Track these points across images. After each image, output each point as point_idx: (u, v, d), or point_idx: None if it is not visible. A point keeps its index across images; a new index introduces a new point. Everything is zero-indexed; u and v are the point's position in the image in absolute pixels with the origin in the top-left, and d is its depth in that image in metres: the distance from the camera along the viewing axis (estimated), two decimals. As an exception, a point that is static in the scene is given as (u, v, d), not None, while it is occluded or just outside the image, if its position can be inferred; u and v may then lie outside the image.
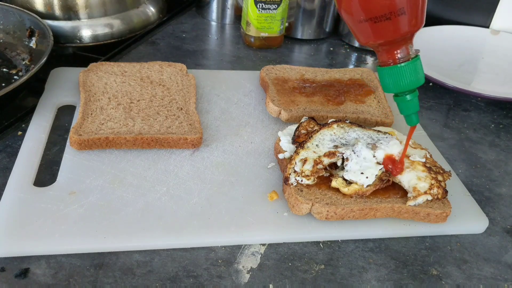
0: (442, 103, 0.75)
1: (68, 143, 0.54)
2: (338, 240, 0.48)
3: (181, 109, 0.60)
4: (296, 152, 0.51)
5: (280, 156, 0.54)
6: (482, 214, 0.52)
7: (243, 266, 0.44)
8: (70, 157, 0.53)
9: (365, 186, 0.49)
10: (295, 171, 0.49)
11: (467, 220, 0.51)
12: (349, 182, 0.49)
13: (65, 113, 0.61)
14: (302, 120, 0.57)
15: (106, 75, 0.65)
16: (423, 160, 0.51)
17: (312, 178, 0.49)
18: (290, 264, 0.45)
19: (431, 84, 0.80)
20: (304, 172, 0.49)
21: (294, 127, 0.56)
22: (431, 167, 0.51)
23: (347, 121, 0.54)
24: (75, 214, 0.46)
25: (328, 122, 0.54)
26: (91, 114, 0.57)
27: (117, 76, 0.65)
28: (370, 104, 0.66)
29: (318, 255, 0.46)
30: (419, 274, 0.46)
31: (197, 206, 0.49)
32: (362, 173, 0.49)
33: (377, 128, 0.57)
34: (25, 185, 0.48)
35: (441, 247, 0.49)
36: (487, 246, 0.50)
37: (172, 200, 0.49)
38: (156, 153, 0.55)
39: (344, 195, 0.49)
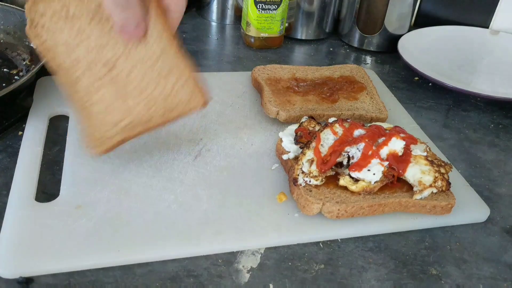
0: (441, 103, 0.75)
1: (66, 155, 0.53)
2: (337, 240, 0.48)
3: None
4: (303, 153, 0.51)
5: (284, 157, 0.54)
6: (482, 203, 0.53)
7: (243, 266, 0.44)
8: (71, 169, 0.51)
9: (372, 182, 0.49)
10: (303, 172, 0.49)
11: (470, 210, 0.52)
12: (355, 180, 0.49)
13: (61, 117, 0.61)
14: (303, 119, 0.57)
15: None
16: (425, 153, 0.52)
17: (320, 178, 0.49)
18: (290, 263, 0.45)
19: (430, 84, 0.80)
20: (312, 173, 0.49)
21: (294, 127, 0.57)
22: (433, 160, 0.51)
23: (348, 120, 0.55)
24: (84, 228, 0.45)
25: (330, 121, 0.54)
26: (89, 119, 0.49)
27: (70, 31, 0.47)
28: (363, 100, 0.67)
29: (318, 254, 0.46)
30: (419, 274, 0.46)
31: (208, 212, 0.48)
32: (368, 170, 0.49)
33: (376, 123, 0.57)
34: (27, 202, 0.47)
35: (440, 246, 0.49)
36: (487, 246, 0.50)
37: (181, 208, 0.48)
38: (158, 160, 0.54)
39: (352, 192, 0.49)
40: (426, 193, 0.49)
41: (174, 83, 0.48)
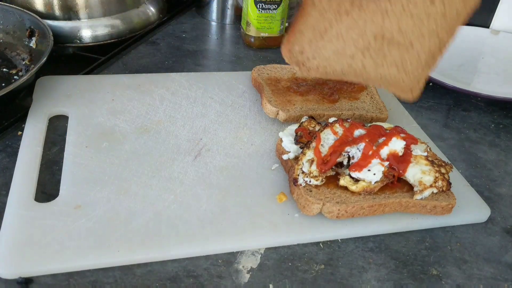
0: (442, 103, 0.75)
1: (66, 155, 0.53)
2: (338, 240, 0.48)
3: None
4: (303, 153, 0.51)
5: (284, 157, 0.54)
6: (483, 203, 0.53)
7: (243, 266, 0.44)
8: (70, 169, 0.51)
9: (372, 182, 0.49)
10: (303, 172, 0.49)
11: (470, 210, 0.52)
12: (356, 180, 0.49)
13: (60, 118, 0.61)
14: (303, 119, 0.57)
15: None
16: (425, 154, 0.52)
17: (320, 178, 0.49)
18: (290, 264, 0.45)
19: (431, 84, 0.80)
20: (312, 173, 0.49)
21: (294, 127, 0.56)
22: (433, 161, 0.51)
23: (349, 120, 0.55)
24: (84, 228, 0.45)
25: (331, 121, 0.54)
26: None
27: None
28: (363, 100, 0.67)
29: (318, 255, 0.46)
30: (419, 274, 0.46)
31: (208, 212, 0.48)
32: (369, 170, 0.49)
33: (377, 123, 0.57)
34: (27, 202, 0.47)
35: (441, 247, 0.49)
36: (487, 246, 0.50)
37: (181, 208, 0.48)
38: (158, 160, 0.54)
39: (352, 193, 0.49)
40: (427, 193, 0.49)
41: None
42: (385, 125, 0.56)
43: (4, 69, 0.68)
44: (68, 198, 0.48)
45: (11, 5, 0.73)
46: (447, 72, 0.80)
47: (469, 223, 0.52)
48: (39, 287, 0.41)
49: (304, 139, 0.53)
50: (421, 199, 0.49)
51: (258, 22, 0.82)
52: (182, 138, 0.58)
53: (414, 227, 0.50)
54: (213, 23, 0.95)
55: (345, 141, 0.51)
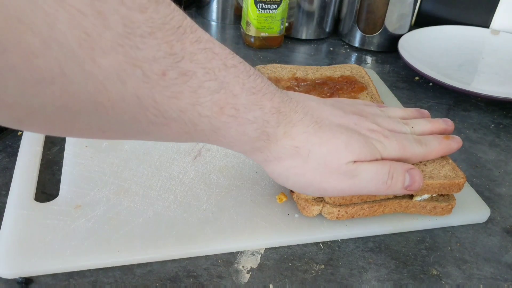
0: (442, 103, 0.75)
1: (66, 155, 0.53)
2: (338, 240, 0.48)
3: None
4: None
5: None
6: (483, 203, 0.53)
7: (243, 266, 0.44)
8: (70, 169, 0.51)
9: None
10: None
11: (470, 210, 0.52)
12: None
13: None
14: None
15: None
16: None
17: None
18: (290, 264, 0.45)
19: (431, 84, 0.80)
20: None
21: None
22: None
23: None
24: (84, 228, 0.45)
25: None
26: None
27: None
28: (364, 100, 0.66)
29: (318, 255, 0.46)
30: (419, 274, 0.46)
31: (208, 212, 0.48)
32: None
33: None
34: (27, 202, 0.47)
35: (441, 247, 0.49)
36: (487, 246, 0.50)
37: (181, 208, 0.48)
38: (158, 160, 0.54)
39: None
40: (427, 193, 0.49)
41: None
42: None
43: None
44: (68, 198, 0.48)
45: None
46: (447, 72, 0.80)
47: (469, 223, 0.52)
48: (39, 287, 0.41)
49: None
50: (421, 200, 0.49)
51: (258, 22, 0.83)
52: (182, 138, 0.58)
53: (414, 227, 0.50)
54: (213, 23, 0.95)
55: None
